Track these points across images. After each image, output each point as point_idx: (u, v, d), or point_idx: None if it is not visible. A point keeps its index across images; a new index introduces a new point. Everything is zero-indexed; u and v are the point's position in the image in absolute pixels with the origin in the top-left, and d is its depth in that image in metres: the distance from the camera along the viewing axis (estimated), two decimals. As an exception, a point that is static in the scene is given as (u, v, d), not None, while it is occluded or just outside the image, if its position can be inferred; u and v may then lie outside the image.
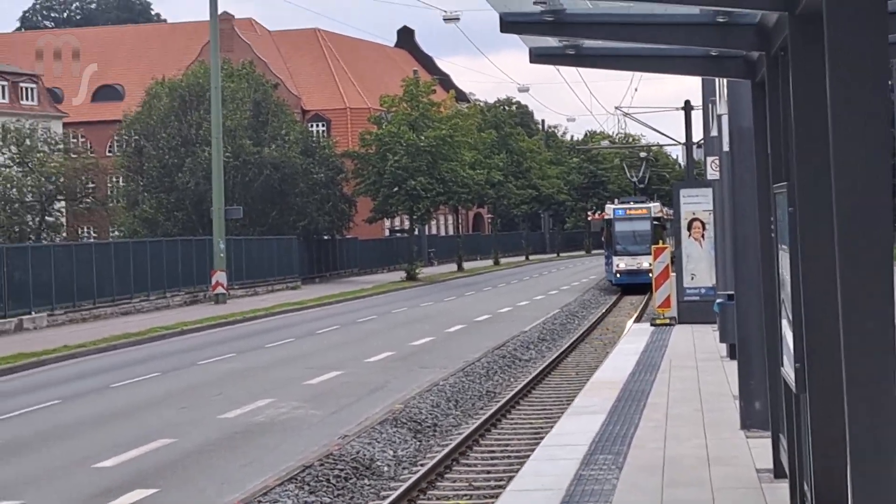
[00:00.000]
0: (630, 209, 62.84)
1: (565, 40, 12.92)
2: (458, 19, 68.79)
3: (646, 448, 16.20)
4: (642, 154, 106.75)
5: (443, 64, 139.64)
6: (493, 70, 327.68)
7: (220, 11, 66.49)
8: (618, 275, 59.85)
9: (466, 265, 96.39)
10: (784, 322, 11.08)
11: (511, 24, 11.63)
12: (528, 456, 17.06)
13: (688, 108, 58.80)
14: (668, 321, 34.09)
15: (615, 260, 60.04)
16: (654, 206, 63.18)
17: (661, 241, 48.13)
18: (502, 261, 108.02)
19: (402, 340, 37.72)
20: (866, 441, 7.03)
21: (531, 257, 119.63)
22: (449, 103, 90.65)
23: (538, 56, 13.81)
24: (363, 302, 60.79)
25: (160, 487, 17.18)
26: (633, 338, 32.67)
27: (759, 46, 11.58)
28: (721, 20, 11.31)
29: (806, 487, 10.30)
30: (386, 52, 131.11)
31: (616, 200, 71.45)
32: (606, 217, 64.45)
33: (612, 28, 12.35)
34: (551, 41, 13.07)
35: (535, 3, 10.55)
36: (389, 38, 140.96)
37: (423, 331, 41.00)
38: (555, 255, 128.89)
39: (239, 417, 23.31)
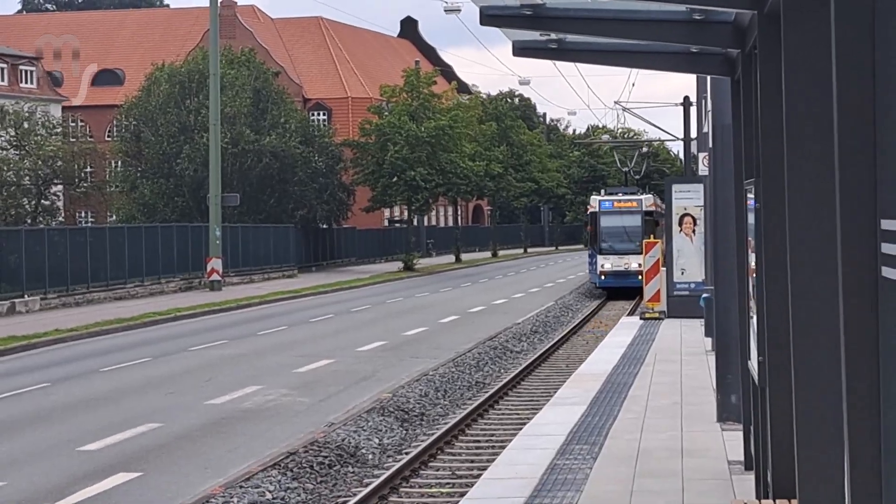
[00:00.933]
0: (618, 202, 54.97)
1: (546, 34, 12.76)
2: (459, 10, 67.79)
3: (622, 439, 16.43)
4: (643, 149, 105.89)
5: (447, 56, 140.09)
6: (497, 63, 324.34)
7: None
8: (602, 276, 52.91)
9: (465, 257, 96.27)
10: (753, 317, 11.31)
11: (491, 17, 11.55)
12: (505, 445, 17.33)
13: (686, 104, 57.53)
14: (657, 315, 34.31)
15: (599, 259, 52.97)
16: (646, 199, 55.70)
17: (652, 237, 43.29)
18: (501, 253, 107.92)
19: (395, 330, 37.89)
20: (812, 432, 7.23)
21: (530, 250, 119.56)
22: (450, 94, 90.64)
23: (521, 49, 13.67)
24: (358, 292, 60.74)
25: (143, 471, 17.38)
26: (622, 331, 33.00)
27: (735, 44, 11.58)
28: (697, 17, 11.24)
29: (769, 478, 10.50)
30: (389, 42, 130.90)
31: (603, 191, 62.74)
32: (592, 210, 56.28)
33: (592, 23, 12.14)
34: (534, 34, 12.90)
35: None
36: (393, 29, 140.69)
37: (417, 321, 41.10)
38: (553, 248, 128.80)
39: (226, 404, 23.47)
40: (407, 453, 18.70)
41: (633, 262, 48.24)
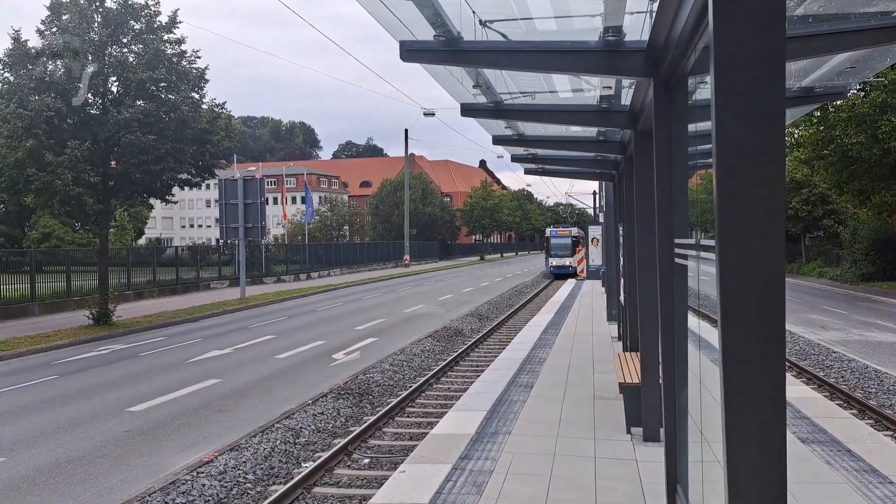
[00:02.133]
0: (560, 231, 45.43)
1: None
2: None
3: (568, 327, 15.98)
4: (576, 210, 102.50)
5: (498, 173, 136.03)
6: (519, 176, 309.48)
7: (409, 153, 66.75)
8: (552, 268, 43.59)
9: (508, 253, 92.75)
10: (622, 280, 10.95)
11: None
12: (520, 329, 16.88)
13: (595, 192, 55.63)
14: (583, 277, 33.42)
15: (551, 259, 43.79)
16: (574, 230, 46.38)
17: (578, 248, 39.22)
18: (506, 254, 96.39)
19: (480, 278, 35.39)
20: (644, 320, 6.68)
21: (520, 252, 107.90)
22: (498, 191, 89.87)
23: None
24: (465, 269, 56.07)
25: (378, 337, 16.73)
26: (569, 284, 31.98)
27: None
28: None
29: (627, 341, 10.19)
30: (474, 169, 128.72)
31: (552, 226, 50.40)
32: (546, 235, 46.02)
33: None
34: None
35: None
36: (475, 162, 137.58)
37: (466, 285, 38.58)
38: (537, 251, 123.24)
39: (410, 311, 22.30)
40: (482, 331, 18.19)
41: (566, 261, 42.18)
